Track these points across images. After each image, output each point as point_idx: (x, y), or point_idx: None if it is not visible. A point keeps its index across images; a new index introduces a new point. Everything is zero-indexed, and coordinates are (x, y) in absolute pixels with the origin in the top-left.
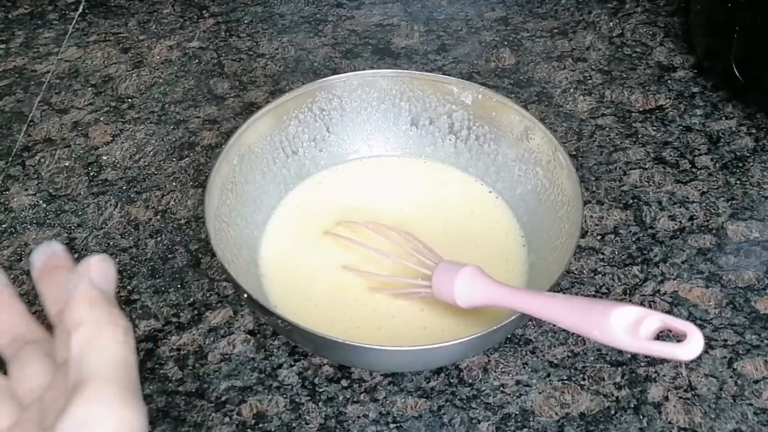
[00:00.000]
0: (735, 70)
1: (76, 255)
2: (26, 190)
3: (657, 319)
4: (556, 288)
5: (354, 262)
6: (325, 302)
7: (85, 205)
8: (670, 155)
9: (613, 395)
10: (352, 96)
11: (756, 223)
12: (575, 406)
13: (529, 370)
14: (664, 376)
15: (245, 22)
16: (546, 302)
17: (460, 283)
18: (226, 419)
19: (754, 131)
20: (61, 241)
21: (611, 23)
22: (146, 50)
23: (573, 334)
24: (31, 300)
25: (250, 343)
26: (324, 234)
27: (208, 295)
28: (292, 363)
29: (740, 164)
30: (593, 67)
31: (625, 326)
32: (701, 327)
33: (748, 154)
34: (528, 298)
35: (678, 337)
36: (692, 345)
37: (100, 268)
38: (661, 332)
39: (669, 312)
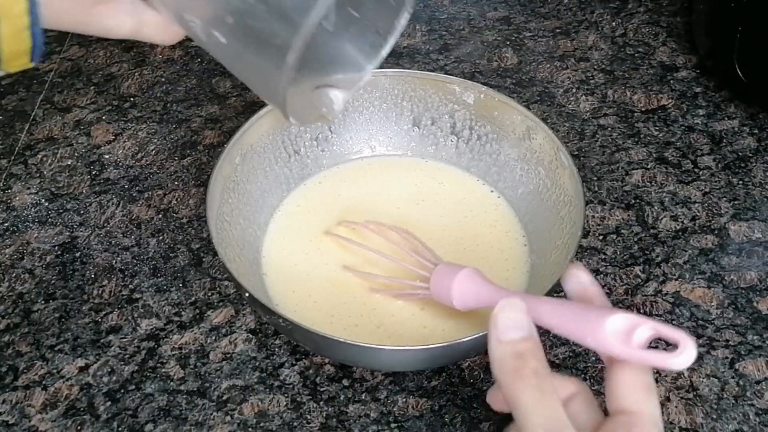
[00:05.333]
0: (738, 70)
1: (78, 253)
2: (28, 188)
3: (650, 327)
4: (558, 288)
5: (355, 261)
6: (324, 300)
7: (87, 204)
8: (673, 155)
9: None
10: (354, 95)
11: (758, 224)
12: None
13: None
14: (665, 376)
15: None
16: (541, 307)
17: (457, 286)
18: (228, 418)
19: (756, 131)
20: (63, 240)
21: (614, 23)
22: (148, 49)
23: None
24: (33, 299)
25: (251, 342)
26: (325, 233)
27: (209, 294)
28: (294, 362)
29: (743, 164)
30: (595, 66)
31: (618, 333)
32: (703, 327)
33: (751, 155)
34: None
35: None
36: (684, 355)
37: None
38: (658, 339)
39: (671, 312)
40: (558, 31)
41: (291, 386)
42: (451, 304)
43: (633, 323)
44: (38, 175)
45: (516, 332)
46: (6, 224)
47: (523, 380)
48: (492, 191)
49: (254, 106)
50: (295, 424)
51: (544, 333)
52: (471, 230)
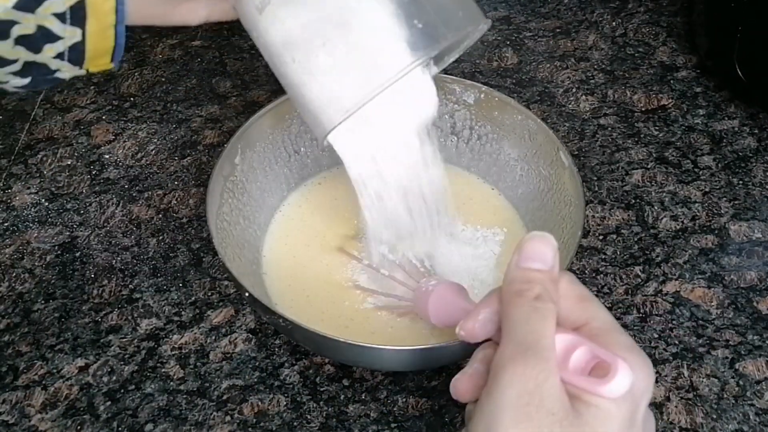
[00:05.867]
0: (738, 69)
1: (78, 253)
2: (28, 188)
3: (587, 350)
4: None
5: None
6: (321, 300)
7: (87, 204)
8: (673, 155)
9: None
10: None
11: (758, 224)
12: None
13: None
14: (665, 376)
15: None
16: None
17: (432, 304)
18: (228, 418)
19: (756, 131)
20: (63, 240)
21: (614, 23)
22: (148, 49)
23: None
24: (33, 298)
25: (251, 342)
26: (327, 231)
27: (209, 294)
28: (294, 362)
29: (743, 164)
30: (596, 66)
31: (557, 355)
32: (703, 327)
33: (751, 155)
34: None
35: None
36: (613, 382)
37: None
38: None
39: (671, 312)
40: (558, 31)
41: (291, 386)
42: (430, 322)
43: (571, 344)
44: (38, 174)
45: (536, 263)
46: (6, 224)
47: (522, 299)
48: (493, 189)
49: (254, 105)
50: (295, 424)
51: None
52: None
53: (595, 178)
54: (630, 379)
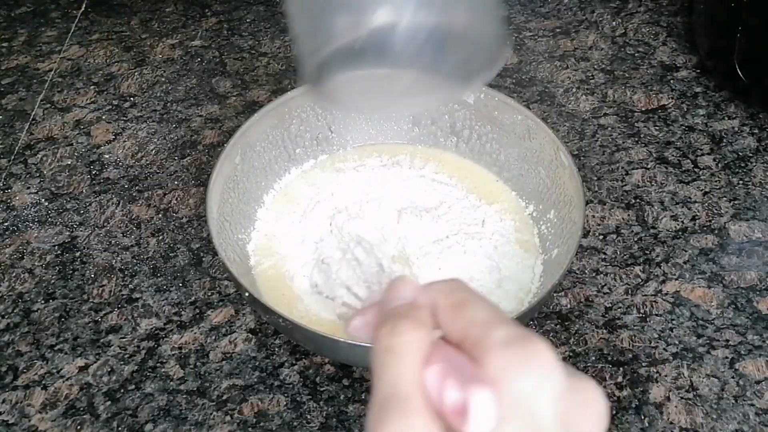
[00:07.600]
0: (738, 70)
1: (78, 253)
2: (28, 188)
3: (455, 378)
4: (558, 287)
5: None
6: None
7: (87, 204)
8: (673, 155)
9: (614, 395)
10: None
11: (758, 224)
12: None
13: None
14: (665, 376)
15: (247, 21)
16: None
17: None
18: (228, 418)
19: (756, 131)
20: (62, 240)
21: (614, 23)
22: (148, 49)
23: (575, 333)
24: (32, 298)
25: (251, 342)
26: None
27: (209, 293)
28: (294, 362)
29: (743, 164)
30: (596, 66)
31: (432, 393)
32: (703, 327)
33: (751, 155)
34: None
35: None
36: (472, 421)
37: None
38: None
39: (671, 312)
40: (558, 30)
41: (291, 386)
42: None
43: (443, 374)
44: (38, 174)
45: (393, 303)
46: (6, 224)
47: (377, 344)
48: (497, 180)
49: (254, 105)
50: (295, 423)
51: (547, 331)
52: (472, 229)
53: (595, 178)
54: (490, 408)
